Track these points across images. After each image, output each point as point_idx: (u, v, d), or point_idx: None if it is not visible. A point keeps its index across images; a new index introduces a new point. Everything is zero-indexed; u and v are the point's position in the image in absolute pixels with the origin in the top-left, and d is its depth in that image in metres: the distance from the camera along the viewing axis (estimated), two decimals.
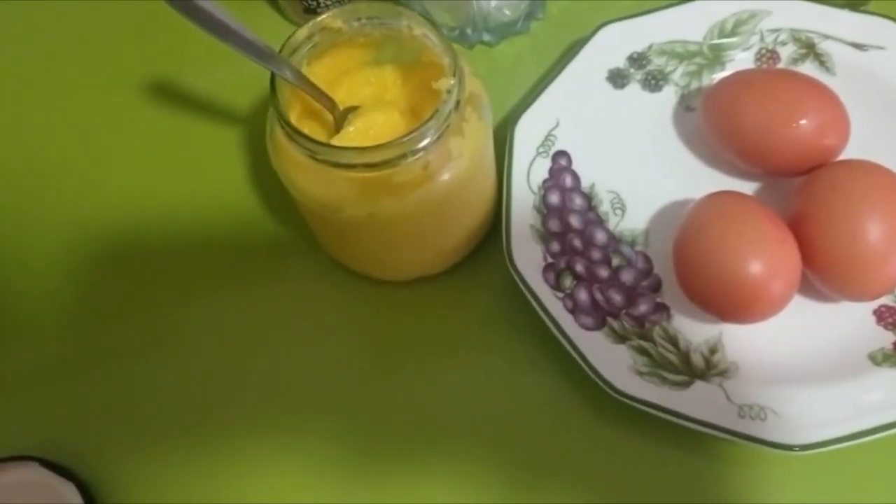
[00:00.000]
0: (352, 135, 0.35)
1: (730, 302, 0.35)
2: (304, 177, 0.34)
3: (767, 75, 0.40)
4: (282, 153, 0.35)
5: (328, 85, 0.36)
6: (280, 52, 0.34)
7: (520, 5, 0.45)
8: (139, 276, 0.43)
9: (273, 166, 0.36)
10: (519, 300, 0.38)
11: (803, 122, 0.38)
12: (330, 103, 0.36)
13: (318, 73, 0.36)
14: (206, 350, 0.41)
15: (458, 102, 0.33)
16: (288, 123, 0.32)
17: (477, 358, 0.40)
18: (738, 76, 0.40)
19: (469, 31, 0.46)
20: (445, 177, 0.34)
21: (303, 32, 0.34)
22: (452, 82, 0.32)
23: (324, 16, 0.35)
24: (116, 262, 0.43)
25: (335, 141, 0.35)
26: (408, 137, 0.31)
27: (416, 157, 0.32)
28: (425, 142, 0.32)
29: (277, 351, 0.40)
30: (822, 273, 0.36)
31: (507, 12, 0.46)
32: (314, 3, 0.46)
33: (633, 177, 0.42)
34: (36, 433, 0.39)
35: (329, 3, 0.47)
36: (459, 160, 0.34)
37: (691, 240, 0.37)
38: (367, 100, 0.37)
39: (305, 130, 0.36)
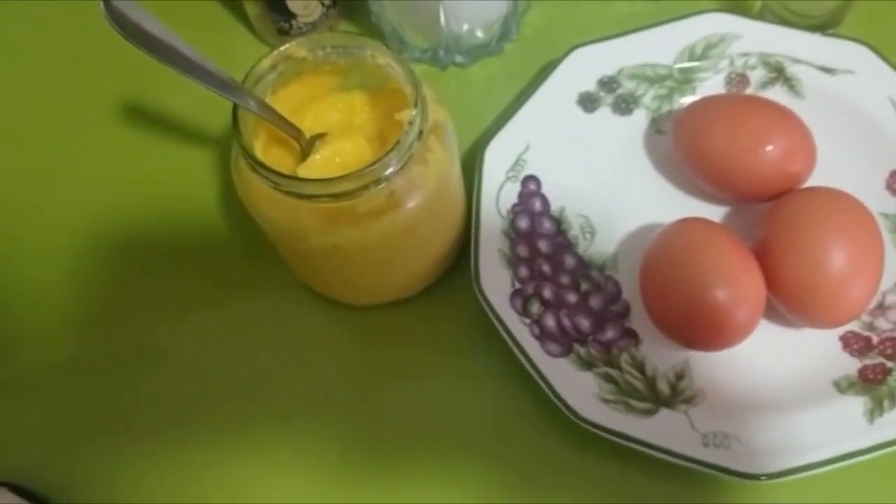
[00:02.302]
0: (318, 163, 0.35)
1: (694, 330, 0.35)
2: (269, 206, 0.34)
3: (734, 101, 0.41)
4: (246, 182, 0.35)
5: (295, 111, 0.36)
6: (244, 81, 0.34)
7: (492, 27, 0.46)
8: (110, 298, 0.43)
9: (238, 194, 0.36)
10: (488, 325, 0.38)
11: (769, 148, 0.38)
12: (296, 132, 0.36)
13: (285, 99, 0.36)
14: (178, 373, 0.40)
15: (420, 132, 0.33)
16: (250, 156, 0.32)
17: (446, 382, 0.40)
18: (705, 102, 0.40)
19: (441, 53, 0.46)
20: (409, 206, 0.34)
21: (266, 62, 0.34)
22: (414, 113, 0.32)
23: (287, 45, 0.35)
24: (85, 284, 0.43)
25: (301, 169, 0.35)
26: (370, 169, 0.31)
27: (379, 187, 0.32)
28: (388, 172, 0.32)
29: (250, 373, 0.40)
30: (787, 300, 0.36)
31: (480, 35, 0.46)
32: (287, 25, 0.46)
33: (604, 201, 0.42)
34: (7, 459, 0.39)
35: (302, 25, 0.47)
36: (423, 190, 0.34)
37: (656, 267, 0.37)
38: (336, 125, 0.37)
39: (272, 158, 0.36)
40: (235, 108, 0.33)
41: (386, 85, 0.36)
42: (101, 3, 0.29)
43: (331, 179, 0.32)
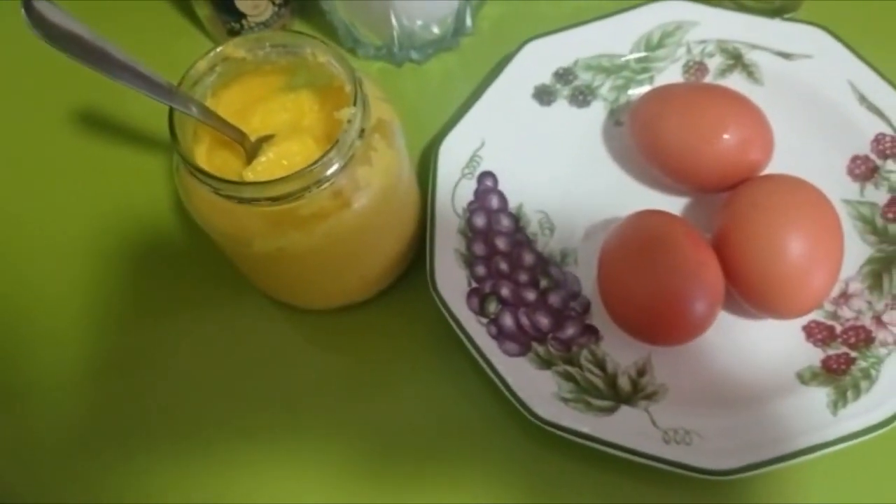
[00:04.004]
0: (264, 165, 0.34)
1: (652, 324, 0.35)
2: (212, 212, 0.33)
3: (689, 90, 0.40)
4: (188, 188, 0.34)
5: (240, 113, 0.35)
6: (180, 84, 0.33)
7: (445, 21, 0.45)
8: (69, 309, 0.42)
9: (182, 200, 0.35)
10: (447, 325, 0.37)
11: (726, 137, 0.37)
12: (238, 135, 0.35)
13: (227, 102, 0.35)
14: (138, 382, 0.40)
15: (362, 131, 0.32)
16: (187, 161, 0.31)
17: (405, 384, 0.39)
18: (660, 92, 0.40)
19: (395, 49, 0.45)
20: (354, 208, 0.33)
21: (203, 64, 0.33)
22: (353, 111, 0.31)
23: (224, 46, 0.34)
24: (36, 295, 0.42)
25: (247, 172, 0.34)
26: (308, 170, 0.31)
27: (321, 188, 0.31)
28: (329, 173, 0.31)
29: (205, 380, 0.40)
30: (746, 291, 0.35)
31: (435, 30, 0.45)
32: (238, 25, 0.46)
33: (563, 195, 0.41)
34: None
35: (254, 25, 0.46)
36: (368, 190, 0.33)
37: (613, 262, 0.36)
38: (284, 126, 0.36)
39: (219, 162, 0.35)
40: (171, 113, 0.32)
41: (332, 83, 0.35)
42: (21, 7, 0.28)
43: (270, 182, 0.31)
